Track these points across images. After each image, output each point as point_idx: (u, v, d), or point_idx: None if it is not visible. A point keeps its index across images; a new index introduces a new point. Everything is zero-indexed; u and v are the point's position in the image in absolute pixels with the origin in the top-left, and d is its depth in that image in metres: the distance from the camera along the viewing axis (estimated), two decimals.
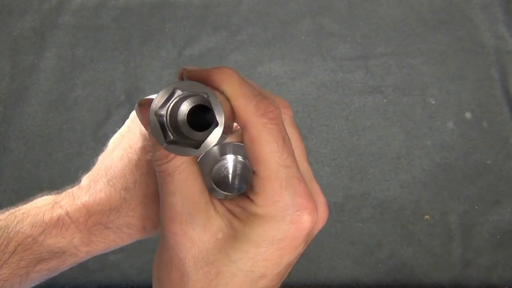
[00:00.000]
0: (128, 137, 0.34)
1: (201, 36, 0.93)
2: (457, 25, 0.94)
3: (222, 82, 0.24)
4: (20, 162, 0.83)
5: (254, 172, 0.25)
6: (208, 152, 0.29)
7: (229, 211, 0.25)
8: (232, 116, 0.24)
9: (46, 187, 0.81)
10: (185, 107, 0.24)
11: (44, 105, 0.87)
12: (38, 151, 0.84)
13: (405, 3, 0.96)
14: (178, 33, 0.93)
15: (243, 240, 0.24)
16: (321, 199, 0.27)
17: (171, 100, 0.22)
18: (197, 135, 0.23)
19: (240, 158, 0.29)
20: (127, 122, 0.35)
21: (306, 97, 0.88)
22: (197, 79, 0.25)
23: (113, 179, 0.33)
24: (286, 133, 0.25)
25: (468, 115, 0.87)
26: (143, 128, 0.33)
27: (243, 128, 0.24)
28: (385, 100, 0.88)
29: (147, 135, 0.33)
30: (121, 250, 0.77)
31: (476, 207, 0.80)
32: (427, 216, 0.79)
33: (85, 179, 0.34)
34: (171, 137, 0.22)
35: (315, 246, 0.77)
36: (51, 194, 0.35)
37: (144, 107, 0.25)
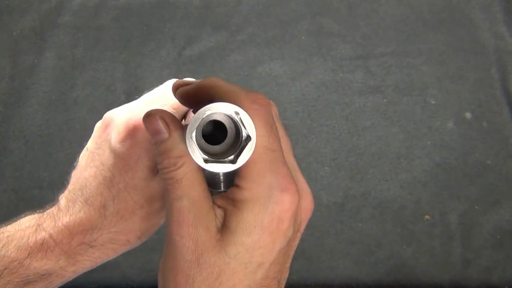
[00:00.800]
0: (98, 153, 0.35)
1: (201, 36, 0.93)
2: (457, 25, 0.94)
3: (213, 82, 0.27)
4: (20, 162, 0.83)
5: None
6: None
7: (221, 208, 0.27)
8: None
9: (46, 187, 0.81)
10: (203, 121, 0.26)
11: (44, 105, 0.87)
12: (38, 151, 0.84)
13: (405, 3, 0.96)
14: (178, 33, 0.93)
15: (237, 232, 0.25)
16: (306, 189, 0.29)
17: (199, 123, 0.24)
18: (212, 148, 0.26)
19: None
20: (94, 138, 0.36)
21: (306, 97, 0.88)
22: (192, 94, 0.28)
23: (91, 198, 0.34)
24: (274, 122, 0.27)
25: (468, 115, 0.87)
26: (113, 144, 0.34)
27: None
28: (385, 100, 0.88)
29: (121, 152, 0.33)
30: None
31: (476, 207, 0.80)
32: (427, 216, 0.79)
33: (63, 200, 0.35)
34: (201, 154, 0.25)
35: (315, 246, 0.77)
36: (34, 214, 0.36)
37: (151, 117, 0.26)
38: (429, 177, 0.82)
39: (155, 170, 0.34)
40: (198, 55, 0.91)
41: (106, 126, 0.35)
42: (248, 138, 0.24)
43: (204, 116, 0.24)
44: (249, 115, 0.25)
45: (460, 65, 0.91)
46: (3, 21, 0.94)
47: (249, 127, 0.24)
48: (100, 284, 0.76)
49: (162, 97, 0.36)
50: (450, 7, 0.96)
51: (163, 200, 0.34)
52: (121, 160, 0.33)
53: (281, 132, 0.29)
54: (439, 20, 0.95)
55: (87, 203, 0.34)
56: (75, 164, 0.36)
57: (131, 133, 0.33)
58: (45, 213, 0.35)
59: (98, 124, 0.36)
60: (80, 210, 0.34)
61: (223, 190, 0.29)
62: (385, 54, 0.92)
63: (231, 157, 0.24)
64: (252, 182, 0.26)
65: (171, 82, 0.35)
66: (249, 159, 0.24)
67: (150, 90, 0.37)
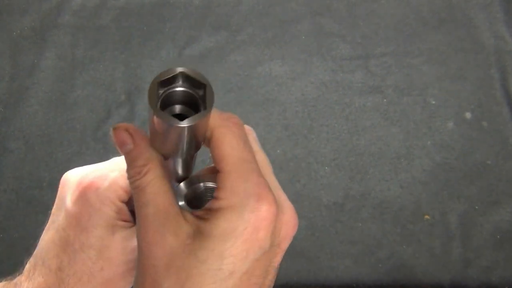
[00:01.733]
0: (57, 215, 0.35)
1: (201, 36, 0.93)
2: (457, 25, 0.94)
3: None
4: (20, 162, 0.83)
5: (218, 171, 0.27)
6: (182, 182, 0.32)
7: (198, 217, 0.27)
8: (205, 134, 0.27)
9: (46, 187, 0.81)
10: (176, 108, 0.26)
11: (44, 105, 0.87)
12: (38, 151, 0.84)
13: (405, 3, 0.96)
14: (178, 33, 0.93)
15: (210, 238, 0.25)
16: (288, 205, 0.29)
17: (172, 86, 0.25)
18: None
19: (210, 184, 0.32)
20: (56, 199, 0.36)
21: (306, 97, 0.88)
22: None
23: (48, 261, 0.34)
24: (247, 140, 0.27)
25: (468, 115, 0.87)
26: (67, 204, 0.34)
27: (211, 133, 0.27)
28: (385, 100, 0.88)
29: (74, 212, 0.33)
30: None
31: (476, 207, 0.80)
32: (427, 216, 0.79)
33: (27, 265, 0.35)
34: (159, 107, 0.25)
35: (315, 246, 0.77)
36: (2, 282, 0.36)
37: (117, 130, 0.27)
38: (429, 177, 0.82)
39: (114, 229, 0.33)
40: (198, 55, 0.91)
41: (62, 186, 0.35)
42: (204, 107, 0.24)
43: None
44: (222, 132, 0.26)
45: (460, 65, 0.91)
46: (3, 21, 0.94)
47: (209, 99, 0.24)
48: None
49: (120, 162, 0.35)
50: (450, 7, 0.96)
51: (128, 263, 0.33)
52: (75, 220, 0.33)
53: (261, 154, 0.30)
54: (439, 20, 0.95)
55: (45, 266, 0.33)
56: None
57: (83, 193, 0.33)
58: (11, 282, 0.35)
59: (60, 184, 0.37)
60: (38, 275, 0.33)
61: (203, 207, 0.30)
62: (385, 54, 0.92)
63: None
64: (228, 192, 0.26)
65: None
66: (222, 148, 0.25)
67: None
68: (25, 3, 0.95)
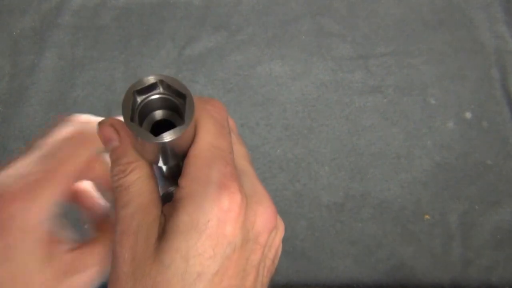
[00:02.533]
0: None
1: (201, 36, 0.93)
2: (457, 25, 0.94)
3: None
4: None
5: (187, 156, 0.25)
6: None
7: (164, 213, 0.25)
8: (189, 143, 0.25)
9: None
10: (157, 114, 0.24)
11: (44, 105, 0.87)
12: None
13: (405, 3, 0.96)
14: (178, 33, 0.93)
15: (172, 237, 0.23)
16: (263, 194, 0.26)
17: (151, 93, 0.23)
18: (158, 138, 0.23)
19: None
20: None
21: (306, 97, 0.88)
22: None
23: None
24: (227, 125, 0.25)
25: (468, 115, 0.87)
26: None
27: None
28: (385, 100, 0.88)
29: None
30: None
31: (476, 207, 0.80)
32: (427, 216, 0.79)
33: None
34: (137, 121, 0.23)
35: (315, 246, 0.77)
36: None
37: (102, 125, 0.25)
38: (429, 177, 0.82)
39: (45, 260, 0.26)
40: (198, 55, 0.91)
41: None
42: (183, 122, 0.22)
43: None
44: (199, 114, 0.24)
45: (460, 65, 0.91)
46: (3, 21, 0.94)
47: (188, 113, 0.22)
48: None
49: (59, 156, 0.29)
50: (450, 7, 0.96)
51: None
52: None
53: (238, 142, 0.28)
54: (439, 20, 0.95)
55: None
56: None
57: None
58: None
59: None
60: None
61: None
62: (385, 54, 0.92)
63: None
64: (189, 179, 0.24)
65: (66, 129, 0.29)
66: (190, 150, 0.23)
67: (39, 138, 0.30)
68: (25, 3, 0.95)
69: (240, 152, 0.28)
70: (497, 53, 0.92)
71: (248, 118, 0.85)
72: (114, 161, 0.26)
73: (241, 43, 0.92)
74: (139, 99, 0.23)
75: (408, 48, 0.92)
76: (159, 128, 0.24)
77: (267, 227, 0.25)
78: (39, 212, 0.26)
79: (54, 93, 0.88)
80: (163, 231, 0.24)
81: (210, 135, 0.24)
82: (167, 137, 0.22)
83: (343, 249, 0.77)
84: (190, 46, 0.92)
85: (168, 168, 0.28)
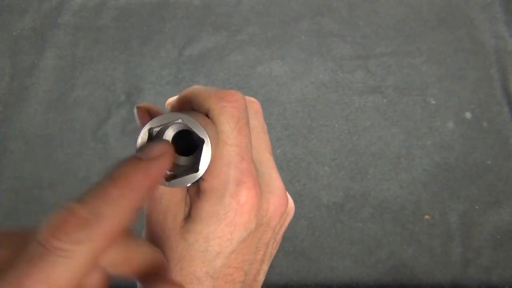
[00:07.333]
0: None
1: (201, 36, 0.93)
2: (457, 25, 0.94)
3: (189, 89, 0.28)
4: (20, 162, 0.83)
5: None
6: None
7: (190, 198, 0.28)
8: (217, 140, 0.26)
9: (46, 187, 0.81)
10: (169, 134, 0.26)
11: (44, 105, 0.87)
12: (38, 151, 0.84)
13: (405, 3, 0.96)
14: (178, 33, 0.93)
15: (196, 221, 0.27)
16: (278, 184, 0.29)
17: (166, 124, 0.24)
18: (183, 159, 0.25)
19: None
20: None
21: (306, 97, 0.88)
22: (177, 107, 0.30)
23: None
24: (244, 117, 0.27)
25: (468, 115, 0.87)
26: None
27: (208, 114, 0.27)
28: (385, 100, 0.88)
29: None
30: None
31: (476, 207, 0.80)
32: (427, 216, 0.79)
33: None
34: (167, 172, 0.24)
35: (315, 246, 0.77)
36: None
37: (140, 110, 0.28)
38: (429, 177, 0.82)
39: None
40: (198, 55, 0.91)
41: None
42: (202, 141, 0.24)
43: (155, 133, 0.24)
44: (215, 114, 0.26)
45: (460, 65, 0.91)
46: (3, 21, 0.94)
47: (198, 131, 0.24)
48: None
49: None
50: (450, 7, 0.96)
51: None
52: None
53: (259, 130, 0.31)
54: (439, 20, 0.95)
55: None
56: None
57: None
58: None
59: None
60: None
61: None
62: (385, 54, 0.91)
63: (195, 166, 0.24)
64: (211, 175, 0.27)
65: None
66: (210, 159, 0.25)
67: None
68: (25, 3, 0.95)
69: (261, 142, 0.31)
70: (497, 53, 0.92)
71: None
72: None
73: (241, 43, 0.92)
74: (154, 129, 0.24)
75: (408, 48, 0.92)
76: (179, 138, 0.26)
77: (278, 211, 0.29)
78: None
79: (54, 93, 0.88)
80: (189, 215, 0.27)
81: (224, 134, 0.26)
82: (179, 183, 0.24)
83: (343, 249, 0.77)
84: (190, 46, 0.92)
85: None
